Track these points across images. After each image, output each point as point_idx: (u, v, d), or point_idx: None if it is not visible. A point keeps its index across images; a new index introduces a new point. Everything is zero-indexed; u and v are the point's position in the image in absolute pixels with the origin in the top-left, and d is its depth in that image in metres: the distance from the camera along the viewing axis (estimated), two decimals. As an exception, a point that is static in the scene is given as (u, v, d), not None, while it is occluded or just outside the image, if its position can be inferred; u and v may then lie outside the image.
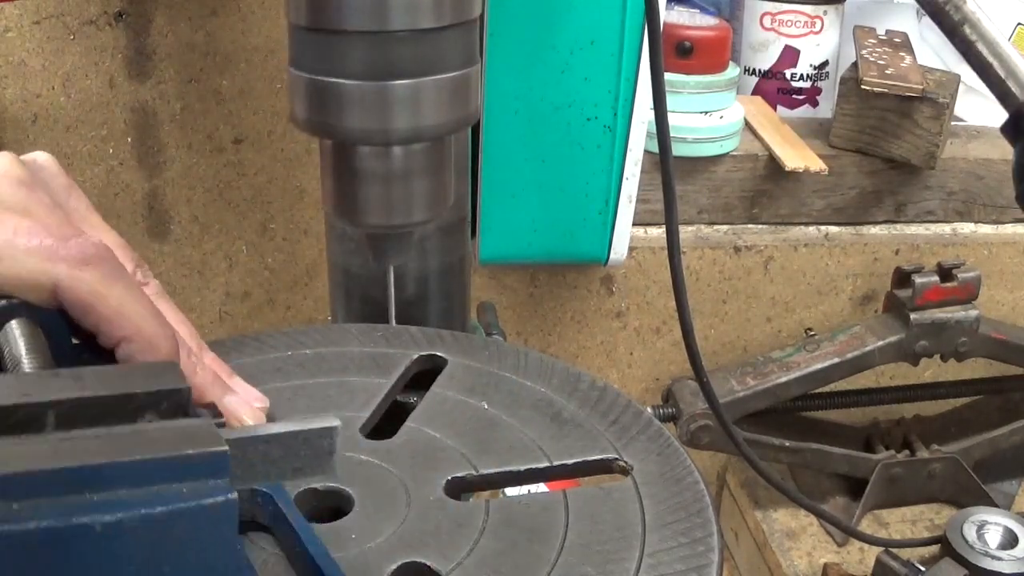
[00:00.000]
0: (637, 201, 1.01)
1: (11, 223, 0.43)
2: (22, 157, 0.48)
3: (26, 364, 0.42)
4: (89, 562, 0.33)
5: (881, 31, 1.39)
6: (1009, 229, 1.34)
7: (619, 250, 1.02)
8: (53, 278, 0.43)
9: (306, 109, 0.51)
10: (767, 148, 1.26)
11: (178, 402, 0.39)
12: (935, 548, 1.08)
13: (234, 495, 0.35)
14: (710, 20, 1.24)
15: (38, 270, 0.43)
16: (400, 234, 0.55)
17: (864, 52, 1.29)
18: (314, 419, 0.40)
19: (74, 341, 0.45)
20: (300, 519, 0.44)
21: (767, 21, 1.45)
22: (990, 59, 0.68)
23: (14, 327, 0.44)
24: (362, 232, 0.56)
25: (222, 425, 0.40)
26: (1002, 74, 0.68)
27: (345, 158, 0.52)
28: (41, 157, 0.49)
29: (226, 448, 0.36)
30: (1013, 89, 0.67)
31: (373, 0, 0.47)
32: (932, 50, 1.50)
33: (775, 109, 1.43)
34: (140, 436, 0.36)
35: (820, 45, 1.45)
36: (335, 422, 0.40)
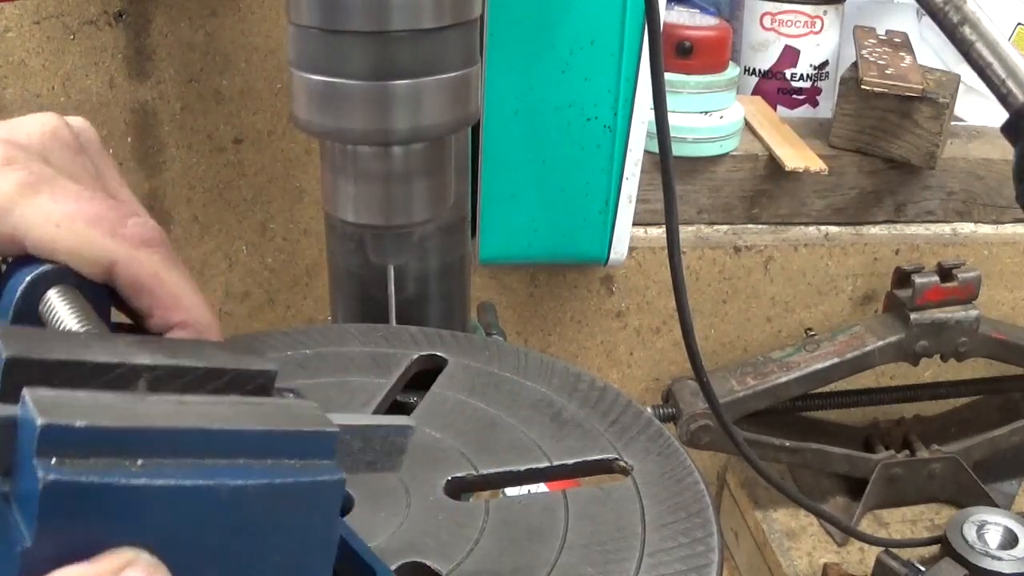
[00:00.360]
0: (637, 201, 1.02)
1: (72, 191, 0.43)
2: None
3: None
4: (207, 525, 0.33)
5: (881, 31, 1.39)
6: (1009, 229, 1.34)
7: (619, 250, 1.03)
8: (112, 255, 0.43)
9: (306, 109, 0.51)
10: (767, 148, 1.26)
11: (263, 385, 0.39)
12: (935, 548, 1.08)
13: (342, 476, 0.36)
14: (710, 20, 1.24)
15: (99, 245, 0.43)
16: (400, 234, 0.55)
17: (864, 52, 1.29)
18: (392, 417, 0.42)
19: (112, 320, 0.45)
20: (359, 539, 0.44)
21: (767, 21, 1.45)
22: (990, 59, 0.68)
23: (57, 295, 0.43)
24: (362, 232, 0.56)
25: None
26: (1002, 74, 0.68)
27: (345, 158, 0.52)
28: (78, 121, 0.48)
29: (337, 429, 0.36)
30: (1013, 89, 0.67)
31: (373, 0, 0.47)
32: (932, 50, 1.50)
33: (775, 109, 1.43)
34: (256, 409, 0.36)
35: (820, 45, 1.45)
36: (411, 423, 0.41)
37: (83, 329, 0.42)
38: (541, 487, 0.62)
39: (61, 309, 0.42)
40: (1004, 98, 0.68)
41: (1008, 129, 0.68)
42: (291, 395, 0.40)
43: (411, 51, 0.48)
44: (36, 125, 0.46)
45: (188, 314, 0.44)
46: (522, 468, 0.54)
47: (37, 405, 0.31)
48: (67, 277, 0.43)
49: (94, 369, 0.35)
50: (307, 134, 0.52)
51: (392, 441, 0.41)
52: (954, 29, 0.69)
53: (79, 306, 0.43)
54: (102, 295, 0.44)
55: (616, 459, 0.55)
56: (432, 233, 0.79)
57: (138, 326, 0.45)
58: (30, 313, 0.43)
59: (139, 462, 0.32)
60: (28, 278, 0.42)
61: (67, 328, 0.42)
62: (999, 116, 0.69)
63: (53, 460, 0.30)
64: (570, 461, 0.55)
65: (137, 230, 0.43)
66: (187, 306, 0.44)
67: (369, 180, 0.52)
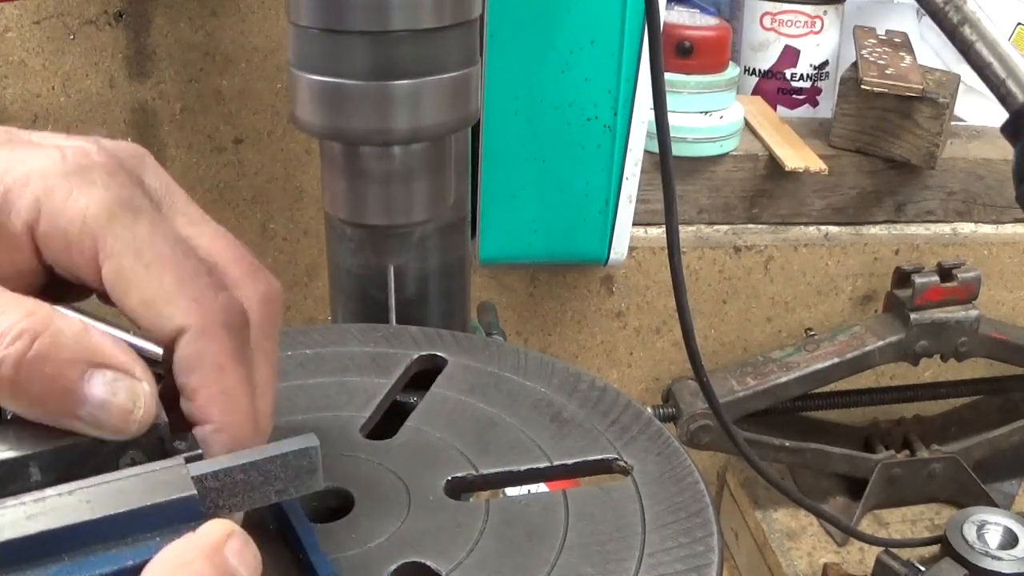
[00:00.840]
0: (637, 201, 1.01)
1: (171, 235, 0.38)
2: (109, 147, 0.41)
3: None
4: None
5: (881, 31, 1.39)
6: (1009, 229, 1.34)
7: (619, 250, 1.02)
8: (183, 323, 0.37)
9: (306, 109, 0.51)
10: (767, 148, 1.26)
11: (158, 435, 0.39)
12: (935, 548, 1.08)
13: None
14: (710, 20, 1.24)
15: (178, 306, 0.37)
16: (400, 234, 0.55)
17: (864, 52, 1.29)
18: (292, 440, 0.40)
19: None
20: (305, 524, 0.44)
21: (767, 21, 1.45)
22: (990, 59, 0.68)
23: None
24: (362, 232, 0.56)
25: (199, 456, 0.39)
26: (1002, 74, 0.68)
27: (345, 158, 0.52)
28: (135, 150, 0.42)
29: (194, 493, 0.36)
30: (1013, 89, 0.67)
31: (374, 0, 0.47)
32: (932, 50, 1.50)
33: (775, 109, 1.43)
34: (113, 488, 0.36)
35: (820, 45, 1.45)
36: (313, 442, 0.40)
37: None
38: (541, 487, 0.61)
39: None
40: (1004, 98, 0.68)
41: (1008, 129, 0.68)
42: (184, 444, 0.39)
43: (411, 51, 0.48)
44: (130, 148, 0.41)
45: (232, 420, 0.39)
46: (522, 468, 0.54)
47: None
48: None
49: None
50: (307, 134, 0.52)
51: (297, 465, 0.39)
52: (954, 29, 0.69)
53: None
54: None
55: (616, 459, 0.55)
56: (432, 233, 0.79)
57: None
58: None
59: None
60: None
61: None
62: (999, 116, 0.69)
63: None
64: (570, 461, 0.55)
65: (223, 304, 0.38)
66: (235, 410, 0.39)
67: (369, 180, 0.52)
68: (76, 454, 0.37)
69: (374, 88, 0.49)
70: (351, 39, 0.48)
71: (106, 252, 0.37)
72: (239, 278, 0.43)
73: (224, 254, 0.43)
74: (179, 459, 0.37)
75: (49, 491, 0.35)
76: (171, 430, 0.39)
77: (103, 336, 0.37)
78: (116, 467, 0.38)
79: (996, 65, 0.68)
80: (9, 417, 0.40)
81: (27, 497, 0.35)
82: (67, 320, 0.36)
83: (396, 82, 0.48)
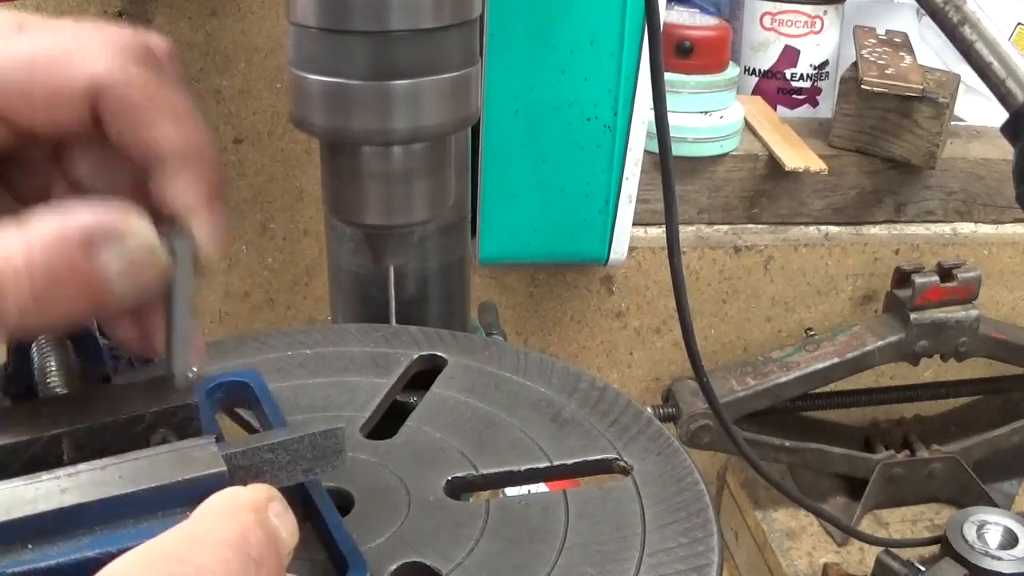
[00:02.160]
0: (637, 201, 1.01)
1: (64, 24, 0.37)
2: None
3: (55, 381, 0.42)
4: None
5: (881, 31, 1.39)
6: (1009, 229, 1.34)
7: (619, 250, 1.02)
8: (99, 82, 0.36)
9: (306, 109, 0.51)
10: (767, 148, 1.26)
11: (188, 415, 0.40)
12: (935, 548, 1.08)
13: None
14: (710, 20, 1.24)
15: (83, 61, 0.36)
16: (400, 234, 0.55)
17: (864, 52, 1.29)
18: (319, 422, 0.42)
19: (102, 341, 0.44)
20: (330, 508, 0.45)
21: (767, 21, 1.45)
22: (990, 59, 0.68)
23: (49, 345, 0.43)
24: (362, 232, 0.56)
25: (188, 238, 0.39)
26: (1002, 74, 0.68)
27: (345, 158, 0.52)
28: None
29: (223, 469, 0.37)
30: (1013, 89, 0.67)
31: (373, 0, 0.47)
32: (932, 50, 1.50)
33: (775, 109, 1.43)
34: (145, 464, 0.37)
35: (820, 45, 1.45)
36: (340, 425, 0.42)
37: (55, 380, 0.42)
38: (541, 487, 0.62)
39: (48, 359, 0.42)
40: (1004, 98, 0.68)
41: (1008, 129, 0.68)
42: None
43: (411, 51, 0.48)
44: None
45: (186, 136, 0.37)
46: (522, 468, 0.54)
47: None
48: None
49: (13, 449, 0.37)
50: (306, 134, 0.51)
51: (323, 445, 0.41)
52: (954, 29, 0.69)
53: (63, 358, 0.42)
54: (91, 346, 0.43)
55: (616, 459, 0.55)
56: (432, 233, 0.79)
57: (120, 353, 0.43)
58: (23, 358, 0.43)
59: (28, 547, 0.34)
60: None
61: (45, 375, 0.42)
62: (999, 116, 0.69)
63: None
64: (570, 461, 0.55)
65: (138, 39, 0.37)
66: (190, 126, 0.37)
67: (369, 180, 0.52)
68: (108, 432, 0.39)
69: (374, 88, 0.49)
70: (351, 39, 0.48)
71: None
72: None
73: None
74: (209, 437, 0.39)
75: (82, 466, 0.37)
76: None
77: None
78: (147, 445, 0.39)
79: (996, 65, 0.68)
80: (56, 388, 0.41)
81: (61, 471, 0.36)
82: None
83: (396, 82, 0.48)
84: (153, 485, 0.36)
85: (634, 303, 1.28)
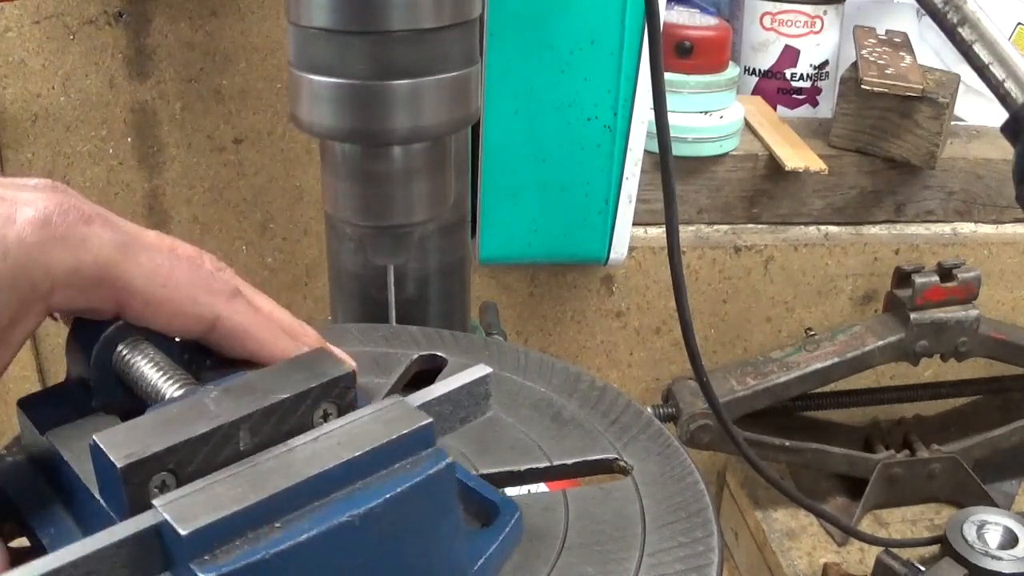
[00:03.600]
0: (637, 201, 1.02)
1: (163, 249, 0.43)
2: None
3: (172, 388, 0.43)
4: (356, 552, 0.37)
5: (881, 31, 1.39)
6: (1009, 229, 1.34)
7: (619, 250, 1.02)
8: (215, 311, 0.43)
9: (306, 109, 0.51)
10: (767, 148, 1.26)
11: (347, 384, 0.42)
12: (935, 548, 1.08)
13: (449, 459, 0.39)
14: (710, 20, 1.24)
15: (203, 303, 0.43)
16: (400, 234, 0.55)
17: (864, 52, 1.29)
18: (469, 371, 0.44)
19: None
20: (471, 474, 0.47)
21: (767, 21, 1.45)
22: (989, 60, 0.68)
23: (128, 348, 0.44)
24: (362, 232, 0.56)
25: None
26: (1002, 75, 0.68)
27: (344, 158, 0.52)
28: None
29: (430, 420, 0.39)
30: (1012, 90, 0.67)
31: (373, 0, 0.47)
32: (932, 50, 1.50)
33: (775, 109, 1.43)
34: (354, 428, 0.39)
35: (820, 45, 1.45)
36: (488, 369, 0.44)
37: (167, 383, 0.43)
38: (541, 487, 0.62)
39: (140, 363, 0.43)
40: (1004, 98, 0.68)
41: (1008, 129, 0.68)
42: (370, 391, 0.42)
43: (411, 51, 0.48)
44: (55, 188, 0.43)
45: (281, 350, 0.45)
46: (522, 468, 0.54)
47: (173, 515, 0.34)
48: (133, 330, 0.44)
49: (198, 441, 0.38)
50: (307, 134, 0.51)
51: (476, 392, 0.44)
52: (954, 29, 0.69)
53: (156, 358, 0.44)
54: (169, 344, 0.45)
55: (616, 459, 0.55)
56: (432, 233, 0.79)
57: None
58: (105, 368, 0.44)
59: (276, 525, 0.35)
60: (104, 334, 0.43)
61: (149, 380, 0.43)
62: (999, 116, 0.69)
63: (206, 558, 0.34)
64: (570, 461, 0.55)
65: (226, 281, 0.44)
66: (279, 342, 0.45)
67: (369, 180, 0.52)
68: (278, 414, 0.40)
69: (374, 88, 0.49)
70: (351, 39, 0.48)
71: (128, 292, 0.41)
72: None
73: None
74: (394, 398, 0.41)
75: (294, 441, 0.38)
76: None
77: None
78: (311, 422, 0.41)
79: (996, 65, 0.68)
80: (176, 392, 0.42)
81: (276, 449, 0.38)
82: None
83: (396, 82, 0.48)
84: (373, 446, 0.38)
85: (634, 303, 1.28)
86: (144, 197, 1.18)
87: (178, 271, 0.42)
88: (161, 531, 0.34)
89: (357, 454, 0.37)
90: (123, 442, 0.37)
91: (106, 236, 0.41)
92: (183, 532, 0.33)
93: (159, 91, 1.15)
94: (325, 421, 0.41)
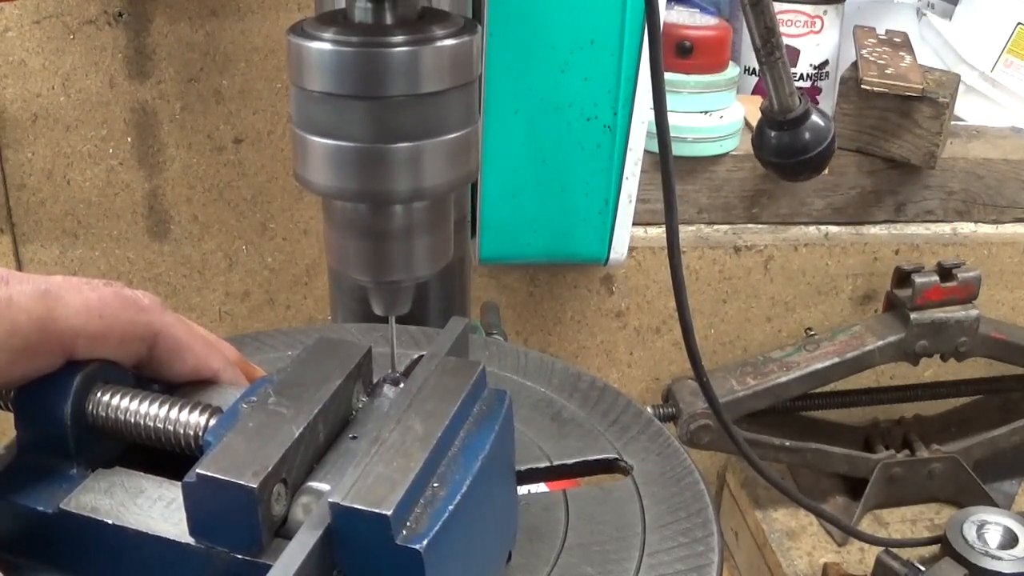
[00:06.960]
0: (637, 201, 1.01)
1: (83, 284, 0.43)
2: None
3: (185, 413, 0.44)
4: (491, 487, 0.42)
5: (881, 31, 1.39)
6: (1009, 229, 1.34)
7: (619, 250, 1.02)
8: (154, 327, 0.44)
9: (308, 168, 0.51)
10: (767, 148, 1.26)
11: (368, 363, 0.47)
12: (935, 548, 1.08)
13: (508, 392, 0.45)
14: (710, 20, 1.24)
15: (141, 322, 0.44)
16: (402, 288, 0.55)
17: (864, 52, 1.29)
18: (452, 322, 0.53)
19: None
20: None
21: (767, 21, 1.44)
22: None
23: (105, 392, 0.44)
24: (364, 285, 0.56)
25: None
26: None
27: (346, 216, 0.52)
28: None
29: (482, 364, 0.45)
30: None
31: (373, 66, 0.47)
32: (932, 50, 1.50)
33: (775, 109, 1.42)
34: (428, 390, 0.43)
35: (820, 45, 1.45)
36: (464, 321, 0.52)
37: (179, 410, 0.44)
38: (541, 487, 0.62)
39: (124, 402, 0.44)
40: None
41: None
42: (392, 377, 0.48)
43: (411, 115, 0.48)
44: None
45: (221, 358, 0.47)
46: (522, 468, 0.54)
47: (362, 501, 0.36)
48: (104, 373, 0.44)
49: (298, 443, 0.40)
50: (309, 192, 0.52)
51: (461, 341, 0.52)
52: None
53: (138, 393, 0.44)
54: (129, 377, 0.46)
55: (616, 459, 0.55)
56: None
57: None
58: (80, 421, 0.43)
59: (435, 485, 0.39)
60: (77, 379, 0.43)
61: (154, 415, 0.44)
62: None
63: (404, 532, 0.36)
64: (570, 461, 0.55)
65: (151, 298, 0.45)
66: (218, 350, 0.47)
67: (370, 238, 0.52)
68: (339, 400, 0.44)
69: (374, 151, 0.49)
70: (351, 103, 0.48)
71: (70, 333, 0.42)
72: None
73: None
74: (437, 357, 0.47)
75: (390, 414, 0.42)
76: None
77: None
78: (351, 400, 0.45)
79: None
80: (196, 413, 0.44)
81: (387, 426, 0.41)
82: None
83: (396, 145, 0.48)
84: (463, 396, 0.42)
85: (634, 303, 1.28)
86: (144, 197, 1.18)
87: (107, 299, 0.43)
88: (362, 521, 0.36)
89: (456, 407, 0.42)
90: (231, 467, 0.37)
91: (27, 289, 0.41)
92: (387, 513, 0.36)
93: (159, 91, 1.15)
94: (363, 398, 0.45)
